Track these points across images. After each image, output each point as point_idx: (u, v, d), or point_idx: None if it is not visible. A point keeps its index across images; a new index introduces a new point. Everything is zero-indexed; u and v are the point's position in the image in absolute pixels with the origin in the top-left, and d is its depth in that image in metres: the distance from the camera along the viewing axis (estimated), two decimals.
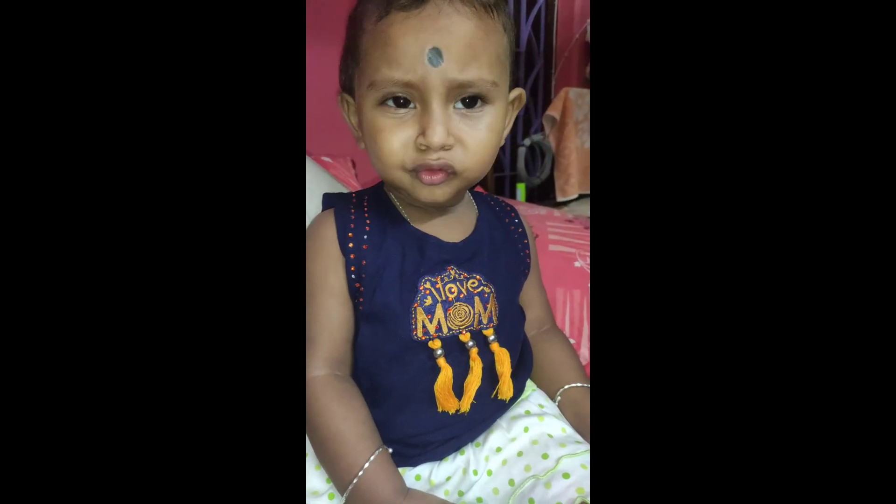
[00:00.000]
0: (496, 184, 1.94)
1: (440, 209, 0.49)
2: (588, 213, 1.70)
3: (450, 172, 0.42)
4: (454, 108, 0.42)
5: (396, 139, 0.42)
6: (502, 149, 1.90)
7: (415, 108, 0.41)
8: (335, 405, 0.43)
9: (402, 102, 0.41)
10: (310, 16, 0.46)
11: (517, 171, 1.95)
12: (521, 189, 1.90)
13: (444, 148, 0.41)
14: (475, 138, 0.42)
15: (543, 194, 2.08)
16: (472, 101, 0.42)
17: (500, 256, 0.51)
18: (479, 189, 1.37)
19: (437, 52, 0.39)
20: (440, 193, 0.44)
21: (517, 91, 0.48)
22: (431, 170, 0.42)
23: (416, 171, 0.42)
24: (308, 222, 0.55)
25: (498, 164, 1.95)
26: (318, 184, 0.70)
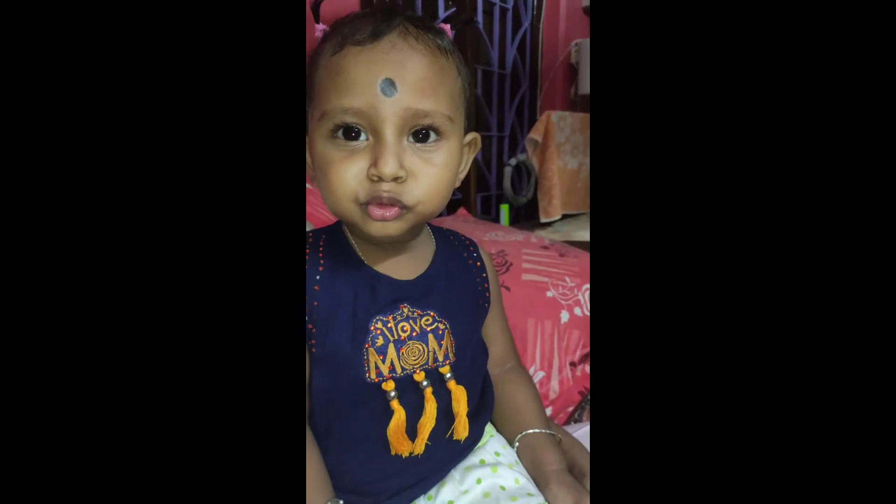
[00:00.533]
0: (482, 203, 1.95)
1: (395, 245, 0.48)
2: (570, 237, 1.70)
3: (402, 207, 0.41)
4: (407, 141, 0.41)
5: (348, 171, 0.40)
6: (488, 168, 1.92)
7: (367, 140, 0.41)
8: None
9: (353, 135, 0.41)
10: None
11: (503, 190, 1.96)
12: (504, 211, 1.90)
13: (396, 180, 0.40)
14: (428, 174, 0.41)
15: (530, 214, 2.08)
16: (425, 135, 0.41)
17: (457, 291, 0.50)
18: (462, 211, 1.37)
19: (389, 83, 0.39)
20: (394, 228, 0.42)
21: (472, 135, 0.48)
22: (382, 204, 0.41)
23: (366, 206, 0.41)
24: None
25: (484, 184, 1.96)
26: None
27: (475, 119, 1.72)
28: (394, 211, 0.41)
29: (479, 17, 1.62)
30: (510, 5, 1.77)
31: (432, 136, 0.42)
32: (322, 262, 0.47)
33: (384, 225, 0.42)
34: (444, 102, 0.41)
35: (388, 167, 0.39)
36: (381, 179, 0.40)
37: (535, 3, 1.90)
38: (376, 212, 0.41)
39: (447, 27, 0.46)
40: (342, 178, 0.41)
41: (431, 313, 0.47)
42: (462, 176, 0.48)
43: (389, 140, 0.40)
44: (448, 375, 0.46)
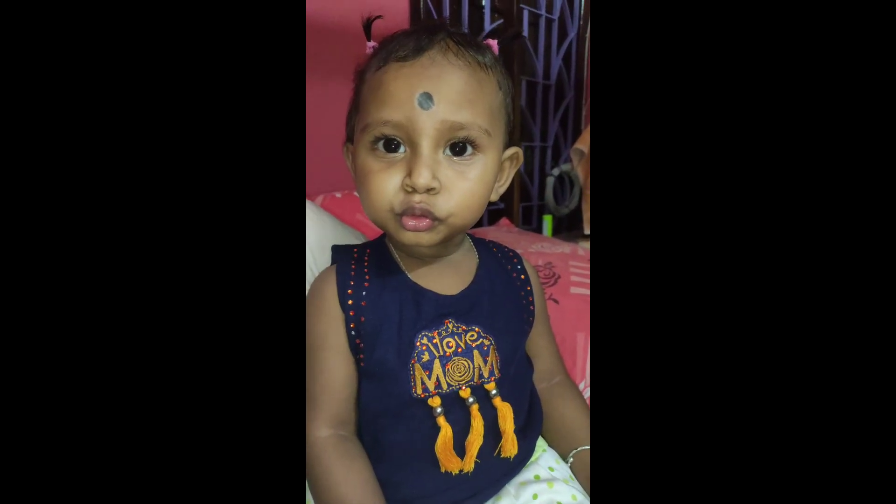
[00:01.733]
0: (523, 213, 1.92)
1: (438, 259, 0.49)
2: None
3: (434, 219, 0.42)
4: (444, 154, 0.42)
5: (386, 182, 0.42)
6: (531, 178, 1.90)
7: (405, 152, 0.42)
8: (337, 467, 0.42)
9: (392, 147, 0.42)
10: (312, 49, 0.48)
11: (545, 200, 1.93)
12: (547, 221, 1.87)
13: (430, 191, 0.41)
14: (461, 187, 0.42)
15: (572, 225, 2.04)
16: (462, 148, 0.42)
17: (501, 306, 0.50)
18: (505, 222, 1.36)
19: (427, 97, 0.40)
20: (426, 240, 0.43)
21: (513, 150, 0.48)
22: (415, 215, 0.41)
23: (400, 216, 0.42)
24: (312, 272, 0.55)
25: (526, 194, 1.94)
26: (323, 229, 0.70)
27: (519, 130, 1.70)
28: (426, 222, 0.42)
29: (525, 29, 1.61)
30: (556, 16, 1.75)
31: (469, 149, 0.42)
32: (367, 277, 0.48)
33: (416, 235, 0.42)
34: (482, 116, 0.42)
35: (422, 178, 0.40)
36: (414, 190, 0.41)
37: (581, 13, 1.88)
38: (409, 223, 0.42)
39: (493, 43, 0.46)
40: (380, 189, 0.42)
41: (476, 329, 0.47)
42: (502, 190, 0.48)
43: (425, 152, 0.40)
44: (493, 392, 0.46)
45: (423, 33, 0.42)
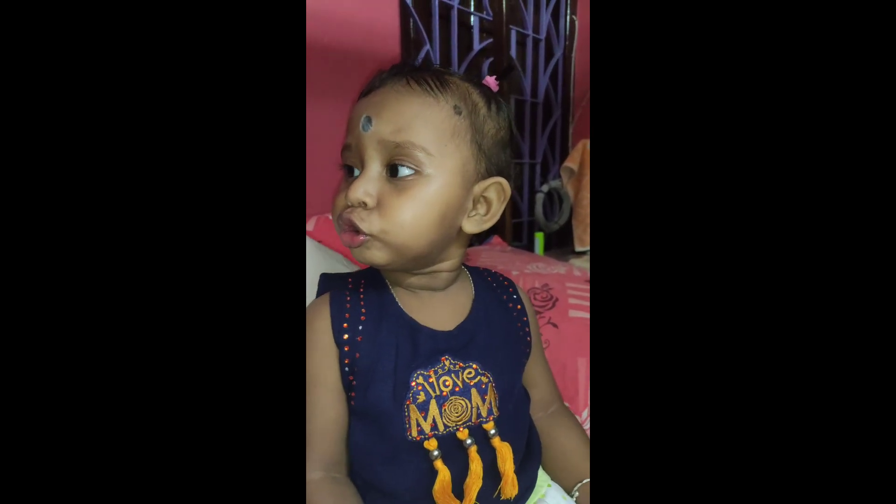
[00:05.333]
0: (514, 229, 1.92)
1: (428, 290, 0.47)
2: None
3: (362, 233, 0.41)
4: (386, 175, 0.42)
5: (338, 201, 0.44)
6: (520, 195, 1.90)
7: (359, 174, 0.43)
8: None
9: (351, 170, 0.44)
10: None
11: (535, 216, 1.93)
12: (539, 239, 1.86)
13: (364, 206, 0.41)
14: (396, 206, 0.41)
15: (562, 241, 2.04)
16: (400, 167, 0.41)
17: (499, 339, 0.48)
18: (497, 240, 1.34)
19: (367, 119, 0.42)
20: (368, 256, 0.42)
21: (493, 180, 0.44)
22: (346, 231, 0.42)
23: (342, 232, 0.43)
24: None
25: (516, 210, 1.93)
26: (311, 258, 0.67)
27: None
28: (358, 239, 0.42)
29: (513, 48, 1.62)
30: (543, 36, 1.77)
31: (407, 170, 0.41)
32: (364, 310, 0.45)
33: (358, 251, 0.43)
34: (423, 136, 0.41)
35: (353, 192, 0.41)
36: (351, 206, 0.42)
37: (567, 33, 1.90)
38: (344, 237, 0.43)
39: (492, 80, 0.47)
40: (335, 208, 0.44)
41: (474, 365, 0.45)
42: (487, 224, 0.45)
43: (366, 170, 0.42)
44: (492, 432, 0.44)
45: (385, 72, 0.45)
